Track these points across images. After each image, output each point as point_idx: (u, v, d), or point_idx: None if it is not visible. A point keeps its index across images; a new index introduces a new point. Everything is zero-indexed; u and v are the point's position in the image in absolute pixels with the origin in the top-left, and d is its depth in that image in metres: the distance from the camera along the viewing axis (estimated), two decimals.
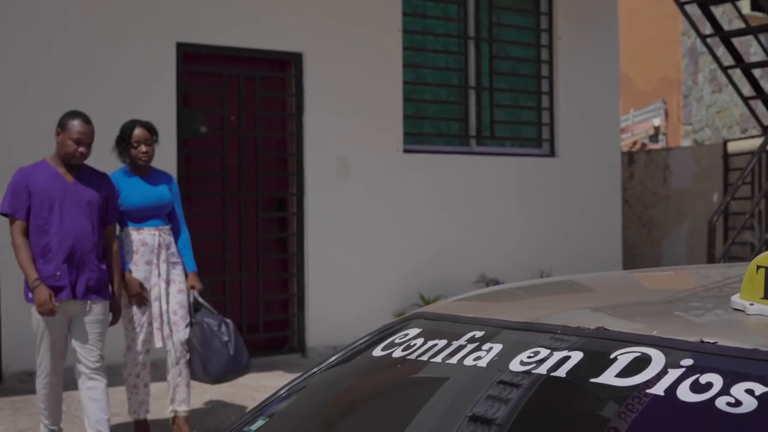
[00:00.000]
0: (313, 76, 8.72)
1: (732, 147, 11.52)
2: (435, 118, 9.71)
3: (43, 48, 7.59)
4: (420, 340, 2.25)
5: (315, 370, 2.50)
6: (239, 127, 8.45)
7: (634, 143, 14.65)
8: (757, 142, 11.48)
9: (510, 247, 9.72)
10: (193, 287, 6.13)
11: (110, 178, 5.74)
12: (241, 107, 8.44)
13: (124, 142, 6.00)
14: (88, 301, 5.47)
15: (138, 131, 5.98)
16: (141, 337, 5.99)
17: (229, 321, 6.14)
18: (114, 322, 5.78)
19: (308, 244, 8.69)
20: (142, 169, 6.05)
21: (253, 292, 8.50)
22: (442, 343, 2.18)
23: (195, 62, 8.26)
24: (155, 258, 5.98)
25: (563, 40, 10.18)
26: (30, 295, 5.36)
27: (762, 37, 10.00)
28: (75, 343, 5.52)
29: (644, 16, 13.66)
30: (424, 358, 2.16)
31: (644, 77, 14.24)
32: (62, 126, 5.43)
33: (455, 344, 2.14)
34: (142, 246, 5.98)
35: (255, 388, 7.55)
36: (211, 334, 5.95)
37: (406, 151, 9.22)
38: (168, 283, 6.02)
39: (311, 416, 2.33)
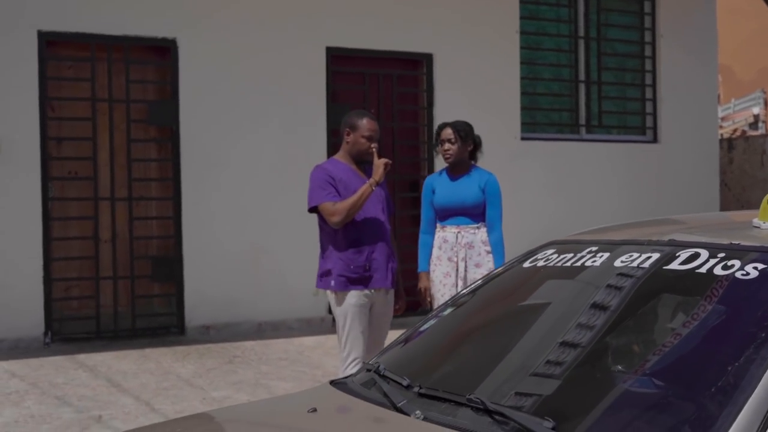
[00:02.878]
0: (442, 73, 9.97)
1: None
2: (548, 109, 10.87)
3: (221, 57, 9.02)
4: (555, 255, 3.48)
5: (481, 280, 3.76)
6: (379, 119, 9.73)
7: (735, 131, 15.51)
8: None
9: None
10: None
11: None
12: (380, 102, 9.75)
13: (436, 139, 6.33)
14: (389, 290, 5.67)
15: (444, 131, 6.24)
16: None
17: None
18: (399, 310, 5.88)
19: None
20: (454, 168, 6.25)
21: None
22: (570, 255, 3.40)
23: (342, 64, 9.59)
24: (455, 255, 6.12)
25: (665, 37, 11.22)
26: (330, 281, 5.55)
27: None
28: (370, 331, 5.63)
29: (744, 12, 14.52)
30: (559, 264, 3.39)
31: (745, 68, 15.08)
32: (352, 126, 5.61)
33: (578, 255, 3.35)
34: (444, 243, 6.18)
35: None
36: None
37: (523, 138, 10.42)
38: (469, 282, 6.04)
39: (484, 304, 3.58)
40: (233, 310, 9.07)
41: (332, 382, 3.35)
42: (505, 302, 3.53)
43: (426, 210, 6.36)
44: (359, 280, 5.56)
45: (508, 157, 10.30)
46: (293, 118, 9.27)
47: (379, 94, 9.78)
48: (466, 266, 6.13)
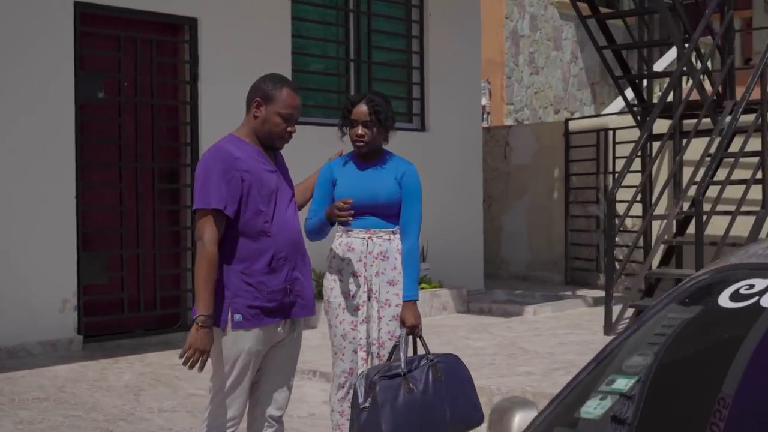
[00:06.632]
0: (208, 42, 8.39)
1: (573, 125, 12.06)
2: (320, 90, 9.60)
3: None
4: None
5: (646, 322, 2.45)
6: (136, 93, 8.01)
7: None
8: (596, 122, 12.11)
9: None
10: (403, 322, 4.57)
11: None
12: (137, 73, 8.00)
13: (344, 117, 4.75)
14: (300, 320, 4.19)
15: (357, 108, 4.67)
16: (343, 366, 4.70)
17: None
18: None
19: None
20: (366, 156, 4.73)
21: (150, 267, 8.10)
22: None
23: (92, 23, 7.75)
24: (363, 268, 4.66)
25: (434, 15, 10.31)
26: (232, 316, 3.90)
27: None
28: (264, 380, 4.11)
29: None
30: None
31: None
32: (266, 96, 4.01)
33: None
34: (348, 251, 4.67)
35: (171, 366, 7.22)
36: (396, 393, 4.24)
37: None
38: (381, 304, 4.66)
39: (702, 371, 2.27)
40: None
41: None
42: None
43: (317, 201, 4.73)
44: (276, 310, 3.98)
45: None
46: (33, 88, 7.35)
47: (136, 62, 8.01)
48: (380, 283, 4.64)
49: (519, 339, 8.06)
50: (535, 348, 7.62)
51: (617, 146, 11.32)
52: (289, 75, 8.90)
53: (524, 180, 12.50)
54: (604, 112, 13.65)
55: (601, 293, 10.51)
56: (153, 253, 8.09)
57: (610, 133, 11.48)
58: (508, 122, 14.54)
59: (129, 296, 7.95)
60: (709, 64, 10.12)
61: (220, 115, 8.40)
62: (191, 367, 3.80)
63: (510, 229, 12.61)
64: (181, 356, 3.83)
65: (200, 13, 8.33)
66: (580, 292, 10.99)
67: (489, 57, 14.23)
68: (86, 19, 7.68)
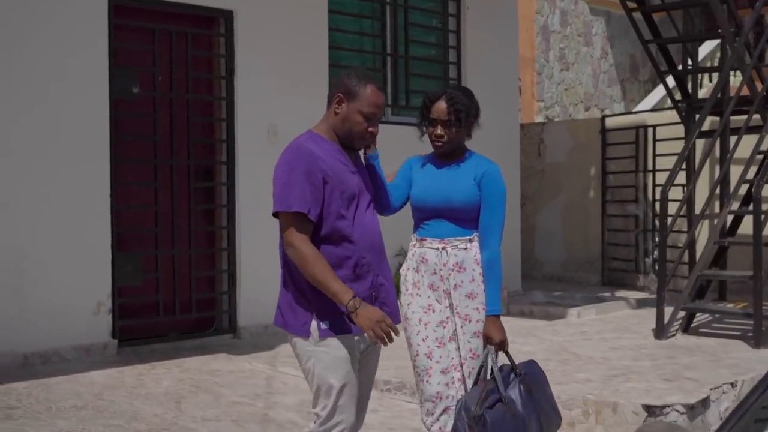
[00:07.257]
0: (245, 35, 8.10)
1: (610, 122, 11.74)
2: None
3: None
4: None
5: None
6: (171, 88, 7.72)
7: None
8: (634, 119, 11.79)
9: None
10: (489, 339, 4.19)
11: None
12: (173, 67, 7.72)
13: (422, 115, 4.38)
14: None
15: (436, 106, 4.28)
16: (431, 390, 4.24)
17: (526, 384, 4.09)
18: None
19: (240, 216, 8.07)
20: (444, 155, 4.37)
21: (185, 269, 7.81)
22: None
23: (127, 16, 7.46)
24: (440, 282, 4.26)
25: (471, 10, 10.02)
26: (318, 324, 3.70)
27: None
28: None
29: None
30: None
31: None
32: (349, 92, 3.74)
33: None
34: (422, 263, 4.29)
35: (211, 372, 6.95)
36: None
37: None
38: (463, 318, 4.26)
39: None
40: None
41: None
42: None
43: (398, 178, 4.39)
44: None
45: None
46: (66, 82, 7.06)
47: (171, 56, 7.72)
48: (461, 296, 4.25)
49: (568, 343, 7.76)
50: (588, 353, 7.33)
51: (657, 143, 10.98)
52: (325, 69, 8.67)
53: (559, 178, 12.18)
54: (638, 109, 13.31)
55: (642, 294, 10.31)
56: (188, 254, 7.80)
57: (650, 130, 11.14)
58: (539, 119, 14.23)
59: (164, 298, 7.66)
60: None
61: (257, 111, 8.15)
62: (389, 339, 3.59)
63: (545, 228, 12.30)
64: (371, 339, 3.66)
65: (236, 5, 8.03)
66: (619, 293, 10.69)
67: (520, 53, 13.95)
68: (120, 12, 7.40)
